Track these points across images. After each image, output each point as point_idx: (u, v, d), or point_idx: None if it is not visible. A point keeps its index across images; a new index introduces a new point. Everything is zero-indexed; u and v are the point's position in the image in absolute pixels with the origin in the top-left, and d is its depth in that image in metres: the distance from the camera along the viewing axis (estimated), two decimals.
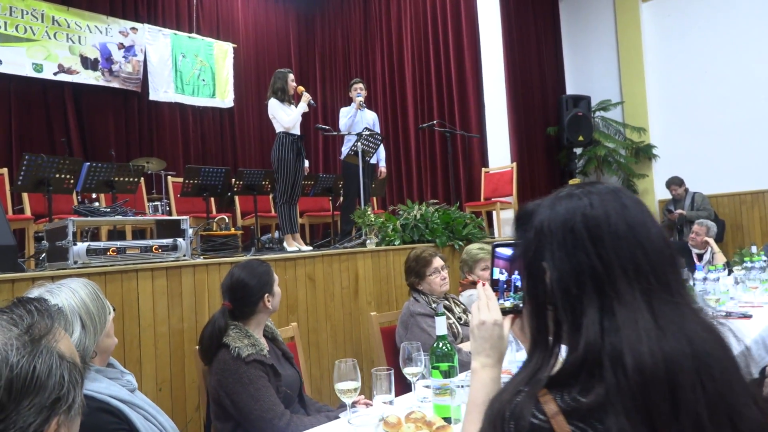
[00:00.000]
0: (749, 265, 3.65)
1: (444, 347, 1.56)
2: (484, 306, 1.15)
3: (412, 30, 7.80)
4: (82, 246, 2.46)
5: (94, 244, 2.50)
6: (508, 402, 0.78)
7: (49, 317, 0.70)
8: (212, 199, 5.90)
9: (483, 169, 6.72)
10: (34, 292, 1.36)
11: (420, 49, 7.66)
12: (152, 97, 7.62)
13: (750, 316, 2.69)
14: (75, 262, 2.46)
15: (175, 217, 2.85)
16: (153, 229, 5.57)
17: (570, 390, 0.74)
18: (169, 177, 6.29)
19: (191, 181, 5.10)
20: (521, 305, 1.20)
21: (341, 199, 6.21)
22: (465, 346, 2.51)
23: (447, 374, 1.53)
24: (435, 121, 5.72)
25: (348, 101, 5.89)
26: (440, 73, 7.36)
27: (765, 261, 3.81)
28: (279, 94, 4.92)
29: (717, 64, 6.80)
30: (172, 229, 2.92)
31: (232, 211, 6.57)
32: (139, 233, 5.53)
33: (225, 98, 8.41)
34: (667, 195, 6.83)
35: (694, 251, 5.27)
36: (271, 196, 6.63)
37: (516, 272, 1.21)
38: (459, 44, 7.07)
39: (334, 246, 4.59)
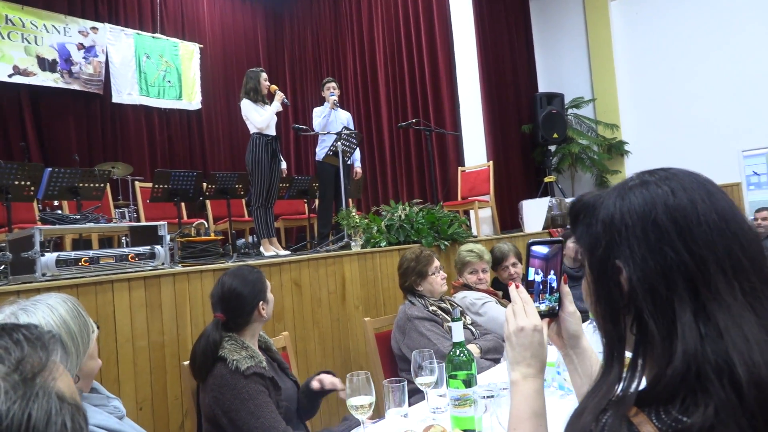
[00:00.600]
0: None
1: (462, 355, 1.45)
2: (520, 311, 1.05)
3: (384, 29, 7.70)
4: (50, 257, 2.25)
5: (64, 255, 2.30)
6: (593, 423, 0.67)
7: (42, 348, 0.56)
8: (183, 204, 5.67)
9: (459, 168, 6.67)
10: (6, 311, 1.19)
11: (392, 47, 7.57)
12: (115, 99, 7.31)
13: None
14: (43, 275, 2.25)
15: (151, 222, 2.66)
16: (121, 237, 5.35)
17: (667, 408, 0.64)
18: (136, 182, 6.02)
19: (161, 186, 4.87)
20: (558, 308, 1.12)
21: (317, 201, 6.06)
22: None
23: (467, 383, 1.42)
24: (414, 120, 5.62)
25: (320, 101, 5.74)
26: (413, 72, 7.28)
27: None
28: (251, 95, 4.78)
29: (686, 61, 6.93)
30: (147, 236, 2.73)
31: (204, 216, 6.34)
32: (106, 242, 5.27)
33: (192, 100, 8.14)
34: None
35: None
36: (244, 200, 6.43)
37: (552, 272, 1.12)
38: (432, 43, 7.01)
39: (315, 249, 4.44)
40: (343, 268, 3.35)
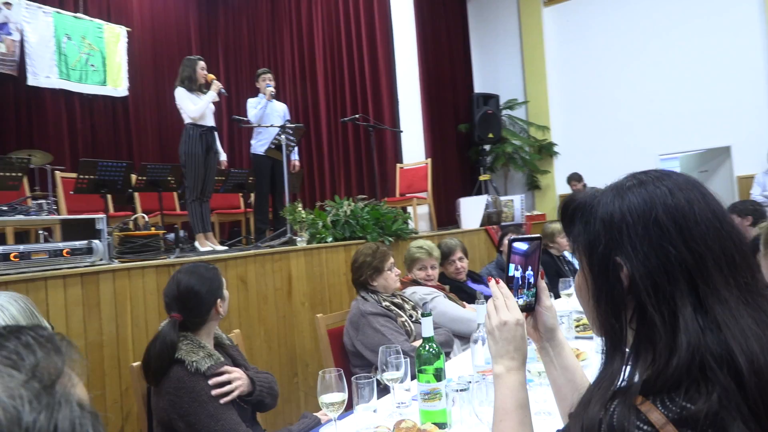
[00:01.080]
0: None
1: (431, 349, 1.47)
2: (502, 306, 1.07)
3: (323, 23, 7.61)
4: None
5: None
6: (601, 411, 0.70)
7: (56, 352, 0.51)
8: (109, 196, 5.34)
9: (398, 165, 6.72)
10: None
11: (332, 41, 7.49)
12: (31, 82, 6.76)
13: None
14: None
15: (88, 215, 2.49)
16: (38, 231, 4.96)
17: (671, 396, 0.68)
18: (56, 172, 5.61)
19: (87, 177, 4.56)
20: (534, 302, 1.15)
21: (252, 195, 5.91)
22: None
23: (438, 377, 1.44)
24: (357, 115, 5.60)
25: (254, 92, 5.59)
26: (353, 66, 7.24)
27: None
28: (186, 83, 4.61)
29: (611, 68, 7.36)
30: (81, 230, 2.55)
31: (132, 209, 6.01)
32: (24, 236, 4.88)
33: (118, 86, 7.67)
34: (567, 190, 7.28)
35: None
36: (176, 193, 6.16)
37: (530, 268, 1.16)
38: (372, 38, 7.00)
39: (255, 245, 4.33)
40: (290, 264, 3.29)
